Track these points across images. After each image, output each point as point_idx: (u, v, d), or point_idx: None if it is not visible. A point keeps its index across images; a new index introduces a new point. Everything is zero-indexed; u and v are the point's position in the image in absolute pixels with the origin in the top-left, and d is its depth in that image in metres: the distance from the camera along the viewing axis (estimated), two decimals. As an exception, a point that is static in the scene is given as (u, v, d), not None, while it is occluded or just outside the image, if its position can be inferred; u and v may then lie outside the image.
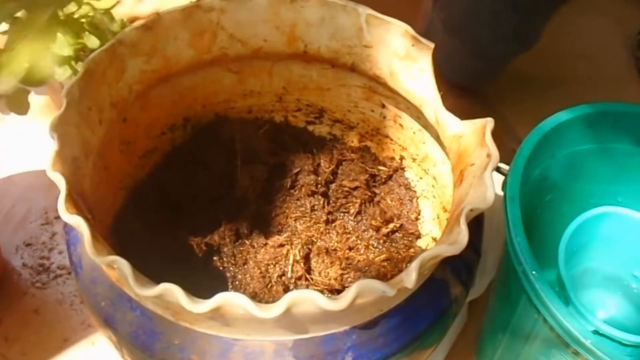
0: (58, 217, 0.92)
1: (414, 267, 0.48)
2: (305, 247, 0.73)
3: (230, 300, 0.45)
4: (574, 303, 0.63)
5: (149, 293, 0.46)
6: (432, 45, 0.65)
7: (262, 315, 0.45)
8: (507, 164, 0.65)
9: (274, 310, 0.45)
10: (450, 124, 0.64)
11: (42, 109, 1.08)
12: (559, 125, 0.66)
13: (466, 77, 1.01)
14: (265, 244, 0.73)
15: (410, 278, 0.48)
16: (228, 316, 0.48)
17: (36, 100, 1.10)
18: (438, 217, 0.74)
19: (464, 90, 1.00)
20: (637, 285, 0.75)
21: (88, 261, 0.58)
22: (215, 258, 0.72)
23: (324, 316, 0.49)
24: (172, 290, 0.46)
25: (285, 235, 0.75)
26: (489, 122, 0.58)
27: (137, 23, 0.69)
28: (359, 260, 0.74)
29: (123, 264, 0.47)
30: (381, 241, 0.75)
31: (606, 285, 0.77)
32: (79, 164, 0.59)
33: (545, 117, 0.67)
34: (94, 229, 0.50)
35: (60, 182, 0.52)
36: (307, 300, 0.46)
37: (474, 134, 0.59)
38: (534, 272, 0.55)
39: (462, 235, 0.49)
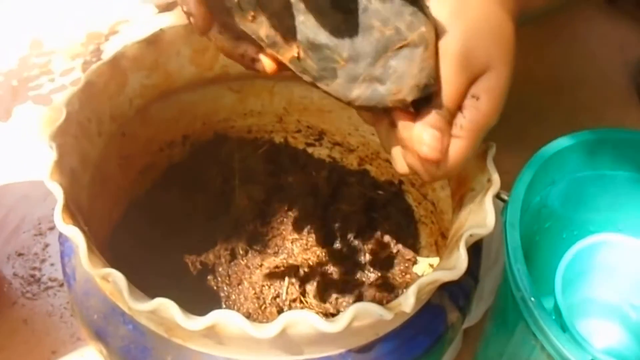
0: (51, 229, 0.91)
1: (412, 291, 0.47)
2: (300, 269, 0.73)
3: (225, 318, 0.44)
4: (570, 331, 0.62)
5: (143, 307, 0.45)
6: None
7: (257, 335, 0.45)
8: (506, 189, 0.65)
9: (270, 330, 0.45)
10: (451, 149, 0.64)
11: (40, 119, 1.08)
12: (559, 152, 0.66)
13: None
14: (261, 265, 0.72)
15: (408, 302, 0.47)
16: (222, 334, 0.47)
17: (35, 110, 1.10)
18: (436, 243, 0.74)
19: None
20: (636, 313, 0.74)
21: (82, 273, 0.58)
22: (209, 277, 0.72)
23: (319, 338, 0.49)
24: (167, 306, 0.45)
25: (281, 257, 0.75)
26: (490, 147, 0.58)
27: (139, 37, 0.69)
28: (354, 285, 0.73)
29: (118, 277, 0.46)
30: (377, 266, 0.75)
31: (604, 314, 0.76)
32: (76, 175, 0.59)
33: (546, 143, 0.67)
34: (90, 240, 0.50)
35: (58, 192, 0.52)
36: (303, 321, 0.45)
37: (474, 159, 0.59)
38: (532, 299, 0.55)
39: (461, 261, 0.49)
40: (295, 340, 0.49)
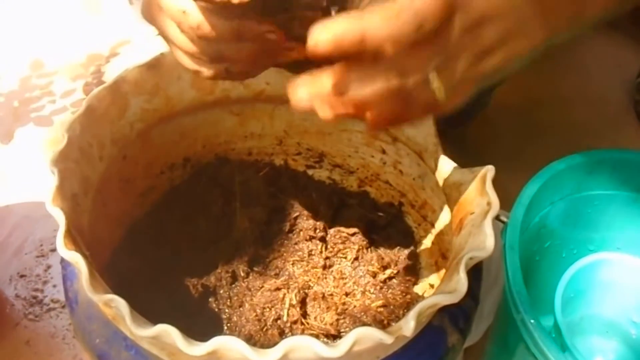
0: (53, 250, 0.92)
1: (412, 315, 0.48)
2: (301, 291, 0.73)
3: (227, 344, 0.45)
4: (571, 350, 0.63)
5: (145, 333, 0.46)
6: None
7: (258, 360, 0.45)
8: (504, 207, 0.65)
9: (271, 355, 0.45)
10: (450, 172, 0.65)
11: (44, 141, 1.09)
12: (558, 173, 0.67)
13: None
14: (262, 287, 0.72)
15: (408, 326, 0.47)
16: (224, 359, 0.47)
17: (37, 132, 1.11)
18: (436, 264, 0.74)
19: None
20: (636, 331, 0.75)
21: (84, 297, 0.58)
22: (211, 299, 0.72)
23: (320, 362, 0.49)
24: (169, 332, 0.45)
25: (282, 279, 0.75)
26: (489, 170, 0.58)
27: (140, 62, 0.69)
28: (355, 306, 0.73)
29: (121, 304, 0.47)
30: (378, 287, 0.75)
31: (604, 332, 0.76)
32: (78, 200, 0.59)
33: (544, 163, 0.68)
34: (92, 266, 0.50)
35: (60, 218, 0.52)
36: (304, 346, 0.45)
37: (474, 182, 0.60)
38: (532, 321, 0.55)
39: (462, 284, 0.49)
40: (296, 365, 0.49)
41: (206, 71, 0.55)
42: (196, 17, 0.50)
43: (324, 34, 0.42)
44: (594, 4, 0.53)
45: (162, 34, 0.55)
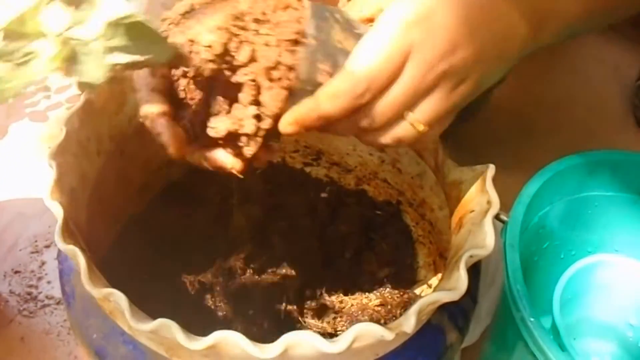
0: (48, 246, 0.91)
1: (413, 311, 0.47)
2: (298, 289, 0.72)
3: (227, 338, 0.44)
4: (569, 351, 0.62)
5: (145, 328, 0.45)
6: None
7: (258, 355, 0.45)
8: (502, 209, 0.65)
9: (271, 350, 0.45)
10: (449, 170, 0.65)
11: (37, 137, 1.08)
12: (557, 174, 0.67)
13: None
14: (259, 285, 0.72)
15: (409, 323, 0.47)
16: (224, 354, 0.47)
17: (31, 127, 1.10)
18: (434, 263, 0.74)
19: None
20: (633, 333, 0.75)
21: (81, 292, 0.57)
22: (207, 296, 0.71)
23: (320, 359, 0.49)
24: (169, 326, 0.45)
25: (278, 276, 0.74)
26: (490, 169, 0.58)
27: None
28: (352, 305, 0.73)
29: (120, 297, 0.46)
30: (375, 286, 0.75)
31: (601, 334, 0.76)
32: (76, 194, 0.59)
33: (543, 164, 0.67)
34: (90, 260, 0.49)
35: (58, 212, 0.52)
36: (305, 341, 0.45)
37: (474, 181, 0.59)
38: (532, 319, 0.55)
39: (462, 282, 0.49)
40: (295, 360, 0.49)
41: None
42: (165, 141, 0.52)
43: (289, 118, 0.49)
44: (556, 18, 0.55)
45: None
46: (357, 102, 0.48)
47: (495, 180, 0.57)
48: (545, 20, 0.54)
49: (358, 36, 0.50)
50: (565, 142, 1.03)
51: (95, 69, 0.44)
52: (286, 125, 0.49)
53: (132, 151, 0.72)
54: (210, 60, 0.46)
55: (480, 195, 0.58)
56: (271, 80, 0.47)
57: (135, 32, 0.44)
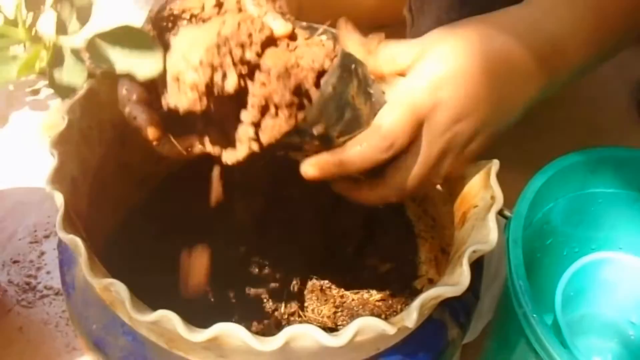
0: (47, 237, 0.91)
1: (415, 306, 0.47)
2: (300, 283, 0.72)
3: (228, 330, 0.44)
4: (570, 348, 0.62)
5: (146, 319, 0.45)
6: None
7: (260, 348, 0.44)
8: (506, 204, 0.64)
9: (273, 343, 0.44)
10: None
11: (37, 126, 1.08)
12: (561, 170, 0.66)
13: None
14: (260, 277, 0.72)
15: (411, 317, 0.47)
16: (225, 347, 0.47)
17: (32, 117, 1.10)
18: (435, 259, 0.73)
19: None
20: (634, 331, 0.75)
21: (81, 282, 0.57)
22: (207, 288, 0.71)
23: (321, 352, 0.48)
24: (170, 317, 0.45)
25: (280, 270, 0.74)
26: (494, 164, 0.58)
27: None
28: (353, 299, 0.73)
29: (120, 288, 0.46)
30: (377, 281, 0.74)
31: (603, 331, 0.76)
32: (77, 183, 0.58)
33: (547, 160, 0.67)
34: (91, 250, 0.49)
35: (59, 200, 0.51)
36: (306, 334, 0.45)
37: (478, 176, 0.59)
38: (534, 316, 0.55)
39: (464, 277, 0.49)
40: (296, 353, 0.48)
41: None
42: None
43: (312, 161, 0.56)
44: (568, 62, 0.60)
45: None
46: (380, 156, 0.52)
47: (499, 175, 0.57)
48: (561, 59, 0.58)
49: (368, 95, 0.53)
50: (570, 138, 1.02)
51: (77, 75, 0.44)
52: (307, 166, 0.56)
53: (134, 140, 0.72)
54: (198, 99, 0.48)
55: (484, 190, 0.57)
56: (279, 109, 0.47)
57: (131, 42, 0.44)
